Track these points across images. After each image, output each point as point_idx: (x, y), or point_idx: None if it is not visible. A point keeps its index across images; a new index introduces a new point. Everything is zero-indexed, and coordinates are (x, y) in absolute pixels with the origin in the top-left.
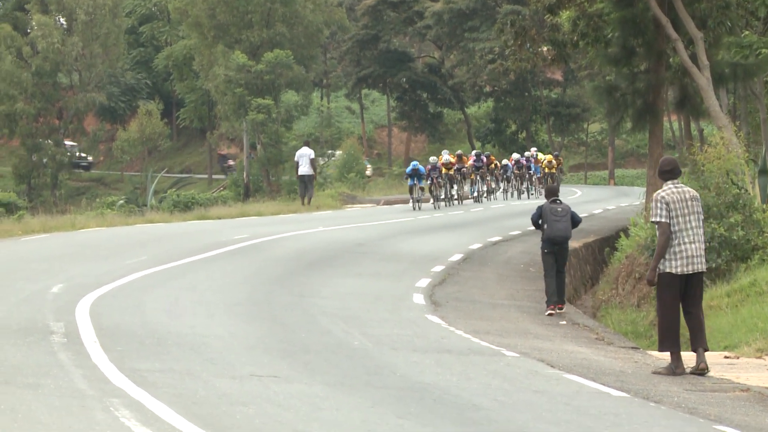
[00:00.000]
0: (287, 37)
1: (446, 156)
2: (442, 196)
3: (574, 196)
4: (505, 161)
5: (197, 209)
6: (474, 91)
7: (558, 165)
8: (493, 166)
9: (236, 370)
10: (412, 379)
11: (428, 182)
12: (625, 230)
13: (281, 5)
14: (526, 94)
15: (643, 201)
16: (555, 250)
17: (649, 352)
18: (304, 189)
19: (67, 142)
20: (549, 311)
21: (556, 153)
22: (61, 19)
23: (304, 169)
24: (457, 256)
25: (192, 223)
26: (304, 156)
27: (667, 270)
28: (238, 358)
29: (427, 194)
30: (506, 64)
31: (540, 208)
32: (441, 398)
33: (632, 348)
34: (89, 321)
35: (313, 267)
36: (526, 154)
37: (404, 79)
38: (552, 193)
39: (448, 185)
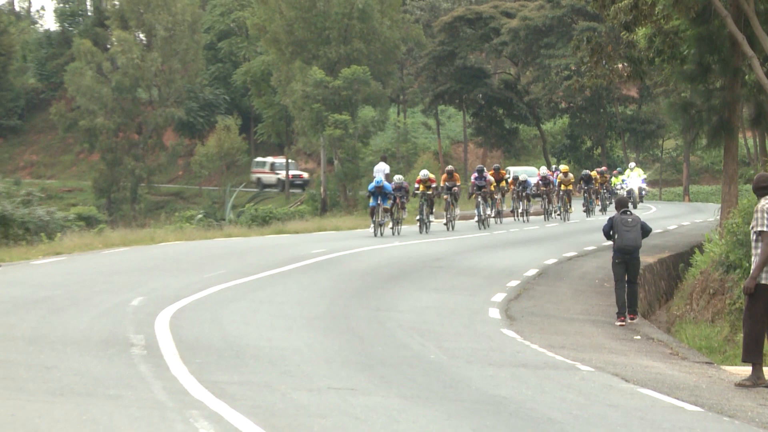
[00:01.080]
0: (364, 53)
1: (423, 172)
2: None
3: (649, 212)
4: (524, 175)
5: (275, 224)
6: (549, 107)
7: (603, 182)
8: (504, 183)
9: (314, 383)
10: (488, 392)
11: (391, 203)
12: (700, 246)
13: (358, 22)
14: (602, 110)
15: (718, 217)
16: (626, 259)
17: (724, 367)
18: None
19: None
20: (619, 322)
21: (601, 170)
22: (141, 35)
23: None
24: (532, 271)
25: (270, 237)
26: (380, 171)
27: (763, 282)
28: (315, 370)
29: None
30: (582, 80)
31: (611, 219)
32: (516, 412)
33: (706, 363)
34: (169, 333)
35: (389, 281)
36: (552, 168)
37: (480, 95)
38: (622, 205)
39: (425, 205)
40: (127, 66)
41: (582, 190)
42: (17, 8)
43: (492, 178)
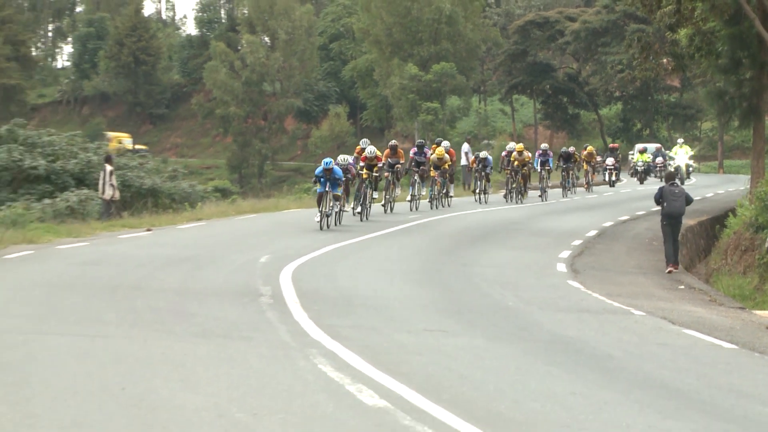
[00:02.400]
0: (451, 52)
1: (370, 148)
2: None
3: (690, 182)
4: (484, 153)
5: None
6: (605, 96)
7: (590, 160)
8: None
9: (412, 326)
10: (557, 333)
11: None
12: (733, 210)
13: (446, 26)
14: (649, 98)
15: (748, 186)
16: (672, 223)
17: (755, 311)
18: (467, 177)
19: None
20: (669, 269)
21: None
22: (266, 38)
23: (464, 161)
24: (592, 232)
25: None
26: (466, 150)
27: None
28: (413, 316)
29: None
30: (633, 73)
31: (661, 189)
32: (581, 349)
33: (740, 308)
34: (291, 285)
35: (474, 241)
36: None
37: (548, 86)
38: (671, 177)
39: (369, 187)
40: (254, 64)
41: (560, 168)
42: (164, 17)
43: (436, 156)
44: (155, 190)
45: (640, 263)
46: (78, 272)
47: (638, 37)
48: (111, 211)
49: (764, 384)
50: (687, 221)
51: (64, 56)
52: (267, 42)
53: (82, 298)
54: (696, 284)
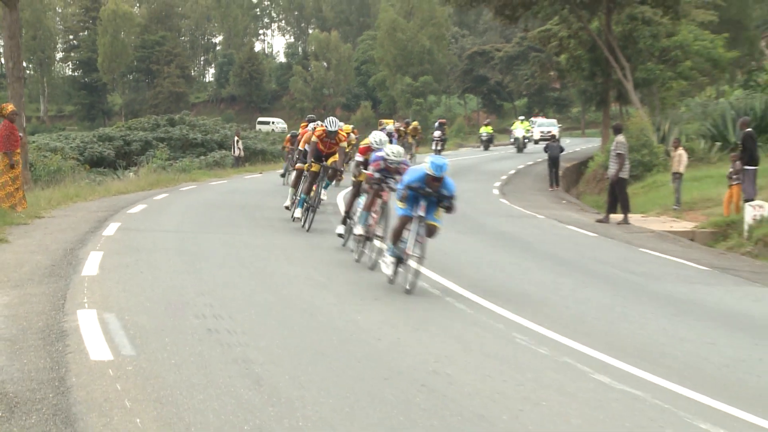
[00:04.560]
0: (429, 69)
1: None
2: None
3: (565, 143)
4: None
5: None
6: (518, 94)
7: (414, 134)
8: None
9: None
10: (498, 229)
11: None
12: (592, 158)
13: (427, 54)
14: (543, 94)
15: (599, 145)
16: (551, 163)
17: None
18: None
19: None
20: (550, 189)
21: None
22: (324, 63)
23: (438, 133)
24: (511, 171)
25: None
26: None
27: (622, 176)
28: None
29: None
30: (534, 80)
31: (547, 144)
32: (512, 238)
33: (596, 213)
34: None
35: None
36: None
37: (485, 89)
38: (552, 139)
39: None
40: (318, 78)
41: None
42: (266, 51)
43: (412, 128)
44: (263, 150)
45: (539, 188)
46: (221, 197)
47: (537, 60)
48: (239, 163)
49: (615, 256)
50: (565, 164)
51: (210, 74)
52: (325, 65)
53: (225, 212)
54: (572, 200)
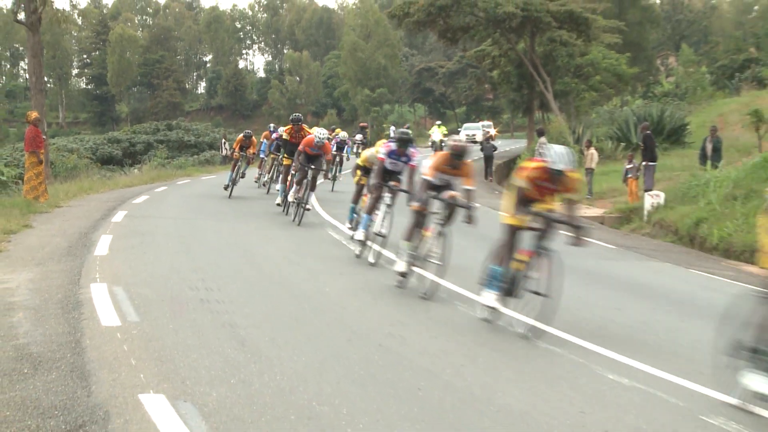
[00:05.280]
0: (384, 82)
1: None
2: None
3: (498, 143)
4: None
5: None
6: (458, 103)
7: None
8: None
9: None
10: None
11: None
12: (520, 156)
13: (383, 70)
14: (479, 103)
15: (525, 145)
16: (486, 159)
17: None
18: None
19: None
20: (485, 179)
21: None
22: (297, 77)
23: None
24: None
25: None
26: (392, 129)
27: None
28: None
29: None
30: (472, 92)
31: (481, 144)
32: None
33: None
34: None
35: None
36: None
37: (430, 99)
38: (486, 141)
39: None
40: (291, 90)
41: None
42: (248, 68)
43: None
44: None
45: (477, 180)
46: (211, 189)
47: (474, 75)
48: (226, 161)
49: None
50: (497, 161)
51: (201, 87)
52: (298, 79)
53: (214, 202)
54: (503, 191)
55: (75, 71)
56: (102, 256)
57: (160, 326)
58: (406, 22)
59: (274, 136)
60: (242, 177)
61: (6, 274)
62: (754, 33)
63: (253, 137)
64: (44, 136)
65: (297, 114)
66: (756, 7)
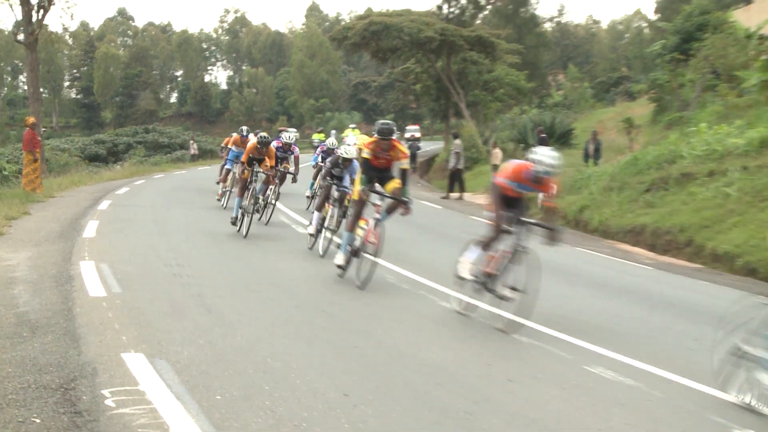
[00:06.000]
0: (327, 93)
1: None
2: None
3: (421, 143)
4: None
5: None
6: (388, 111)
7: None
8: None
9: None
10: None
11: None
12: (438, 155)
13: (325, 84)
14: (405, 111)
15: (442, 146)
16: (411, 156)
17: (450, 193)
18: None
19: None
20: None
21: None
22: (254, 89)
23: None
24: None
25: None
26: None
27: (459, 167)
28: None
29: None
30: (399, 102)
31: (410, 145)
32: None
33: (441, 193)
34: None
35: None
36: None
37: (365, 107)
38: (414, 140)
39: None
40: (249, 101)
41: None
42: (214, 81)
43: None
44: (212, 150)
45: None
46: (183, 183)
47: (400, 88)
48: (194, 158)
49: (455, 222)
50: (420, 159)
51: (173, 97)
52: (255, 91)
53: (185, 193)
54: (425, 184)
55: (66, 83)
56: (90, 238)
57: (140, 297)
58: (345, 44)
59: (253, 143)
60: (276, 200)
61: (8, 253)
62: (625, 56)
63: (272, 146)
64: (40, 138)
65: (389, 123)
66: (627, 35)
